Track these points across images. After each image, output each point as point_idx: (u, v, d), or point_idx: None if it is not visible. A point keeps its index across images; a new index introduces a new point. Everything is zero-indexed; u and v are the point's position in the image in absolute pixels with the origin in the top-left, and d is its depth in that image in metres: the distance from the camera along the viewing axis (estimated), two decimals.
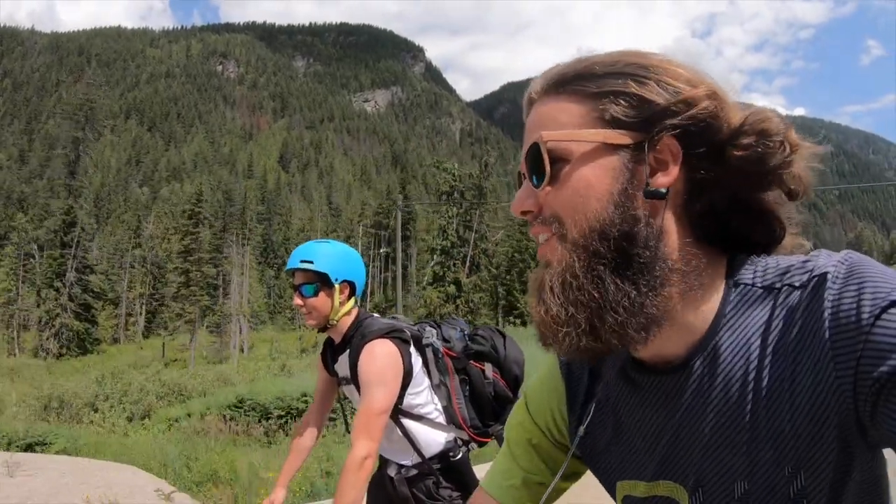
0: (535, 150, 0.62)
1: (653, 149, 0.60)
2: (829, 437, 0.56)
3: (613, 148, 0.60)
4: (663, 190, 0.59)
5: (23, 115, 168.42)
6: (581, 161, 0.61)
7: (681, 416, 0.64)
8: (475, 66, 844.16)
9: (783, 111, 0.63)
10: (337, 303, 2.00)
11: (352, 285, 2.04)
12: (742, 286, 0.62)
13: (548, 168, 0.61)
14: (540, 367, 0.86)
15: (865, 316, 0.53)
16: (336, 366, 2.12)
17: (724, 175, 0.61)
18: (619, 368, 0.71)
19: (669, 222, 0.61)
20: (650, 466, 0.68)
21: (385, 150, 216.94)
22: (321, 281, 1.98)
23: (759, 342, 0.59)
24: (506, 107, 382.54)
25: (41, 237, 54.85)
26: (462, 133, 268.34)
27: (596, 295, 0.59)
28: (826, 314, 0.55)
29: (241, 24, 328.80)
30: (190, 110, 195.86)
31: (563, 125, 0.62)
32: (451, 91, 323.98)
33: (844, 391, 0.54)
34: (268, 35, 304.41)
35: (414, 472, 2.07)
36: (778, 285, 0.60)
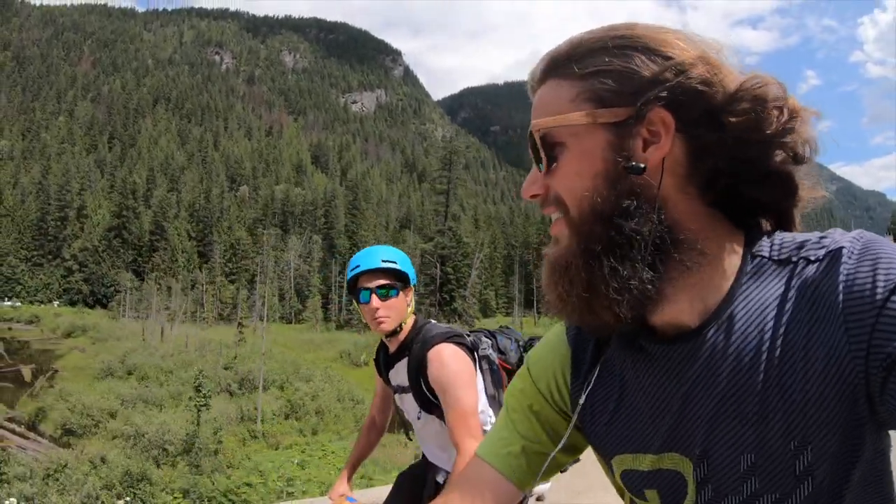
0: (531, 139, 0.65)
1: (643, 122, 0.59)
2: (839, 411, 0.56)
3: (603, 126, 0.60)
4: (641, 165, 0.59)
5: (49, 95, 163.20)
6: (573, 143, 0.62)
7: (690, 386, 0.63)
8: (434, 67, 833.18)
9: None
10: (410, 306, 1.93)
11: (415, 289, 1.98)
12: (759, 258, 0.62)
13: (543, 155, 0.64)
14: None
15: (880, 291, 0.53)
16: (391, 373, 2.01)
17: (723, 141, 0.59)
18: (628, 336, 0.69)
19: (672, 193, 0.61)
20: (657, 438, 0.67)
21: (397, 156, 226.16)
22: (402, 281, 1.91)
23: (774, 313, 0.59)
24: (467, 111, 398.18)
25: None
26: (444, 140, 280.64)
27: (589, 276, 0.60)
28: (840, 287, 0.55)
29: (214, 9, 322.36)
30: (217, 103, 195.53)
31: (553, 111, 0.63)
32: (428, 96, 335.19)
33: (857, 365, 0.54)
34: (252, 26, 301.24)
35: None
36: (794, 259, 0.60)
